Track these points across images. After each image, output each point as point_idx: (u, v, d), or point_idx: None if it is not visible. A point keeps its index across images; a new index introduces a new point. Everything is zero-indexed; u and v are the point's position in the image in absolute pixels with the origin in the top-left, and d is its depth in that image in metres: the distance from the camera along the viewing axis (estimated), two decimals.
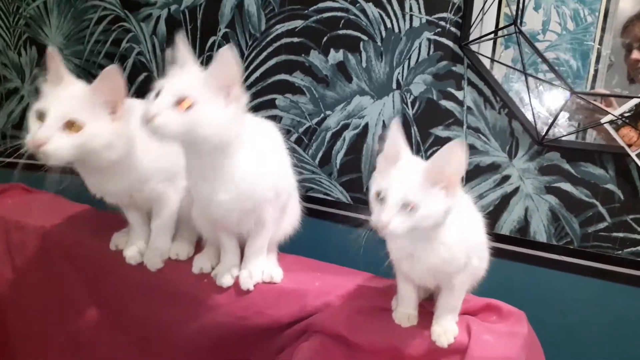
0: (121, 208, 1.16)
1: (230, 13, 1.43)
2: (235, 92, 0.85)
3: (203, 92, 0.82)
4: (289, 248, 1.22)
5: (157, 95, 0.82)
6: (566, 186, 1.17)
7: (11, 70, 1.78)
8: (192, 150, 0.88)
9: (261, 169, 0.94)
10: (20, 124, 1.79)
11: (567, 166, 1.17)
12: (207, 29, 1.46)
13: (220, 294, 1.06)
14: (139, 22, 1.54)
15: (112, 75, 0.93)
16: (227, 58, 0.82)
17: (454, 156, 0.75)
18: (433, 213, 0.76)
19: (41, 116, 0.90)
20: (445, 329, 0.88)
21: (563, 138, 1.16)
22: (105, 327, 1.21)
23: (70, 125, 0.89)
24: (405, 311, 0.93)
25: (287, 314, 1.00)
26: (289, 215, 1.10)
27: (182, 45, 0.86)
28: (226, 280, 1.04)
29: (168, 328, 1.12)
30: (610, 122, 1.08)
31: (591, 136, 1.16)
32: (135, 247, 1.15)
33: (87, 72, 1.65)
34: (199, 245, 1.18)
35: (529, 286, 1.21)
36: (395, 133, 0.79)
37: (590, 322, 1.16)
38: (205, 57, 1.47)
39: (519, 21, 1.11)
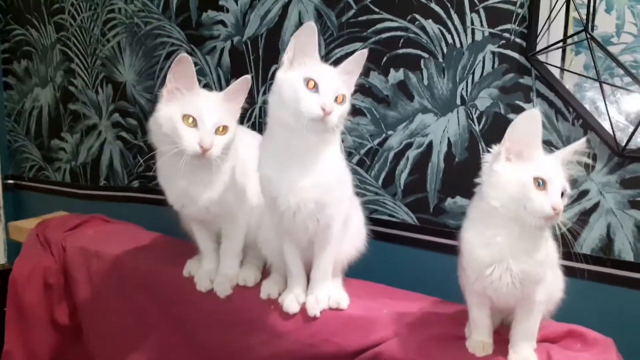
0: (193, 232, 1.20)
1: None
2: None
3: (349, 84, 0.96)
4: (355, 272, 1.20)
5: (313, 88, 0.89)
6: None
7: (90, 108, 1.90)
8: (304, 136, 0.90)
9: (341, 169, 0.99)
10: (99, 158, 1.90)
11: None
12: (269, 58, 1.49)
13: (288, 321, 1.05)
14: (204, 55, 1.60)
15: (244, 82, 1.08)
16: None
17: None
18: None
19: (194, 122, 1.00)
20: (523, 357, 0.83)
21: None
22: (177, 353, 1.24)
23: (221, 129, 1.03)
24: (479, 339, 0.89)
25: (354, 343, 0.98)
26: (352, 237, 1.09)
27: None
28: (293, 307, 1.04)
29: (238, 355, 1.13)
30: None
31: None
32: (205, 274, 1.18)
33: None
34: (265, 272, 1.20)
35: (615, 310, 1.12)
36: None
37: None
38: (267, 85, 1.50)
39: (589, 26, 1.05)
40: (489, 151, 0.87)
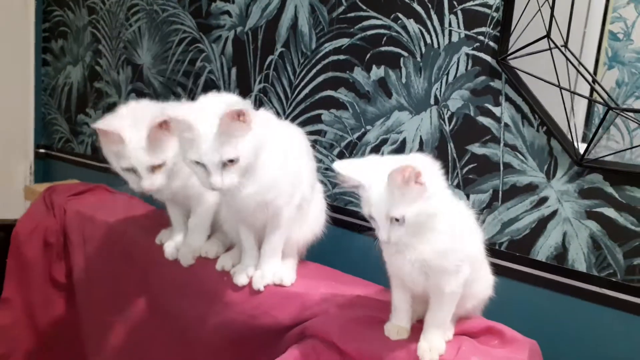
0: (165, 205, 1.29)
1: (286, 33, 1.51)
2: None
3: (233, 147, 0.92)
4: (325, 259, 1.25)
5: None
6: (609, 212, 1.07)
7: (111, 87, 2.04)
8: None
9: (278, 169, 1.02)
10: None
11: (610, 190, 1.06)
12: (266, 48, 1.56)
13: (236, 292, 1.12)
14: (211, 43, 1.69)
15: (156, 127, 1.06)
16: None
17: (400, 178, 0.78)
18: (421, 215, 0.80)
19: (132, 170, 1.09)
20: (432, 346, 0.86)
21: (606, 158, 1.06)
22: (148, 317, 1.33)
23: (157, 168, 1.10)
24: (396, 323, 0.92)
25: (289, 317, 1.04)
26: (309, 222, 1.14)
27: None
28: (241, 279, 1.11)
29: (195, 322, 1.21)
30: None
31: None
32: (173, 243, 1.26)
33: (169, 88, 1.83)
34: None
35: (563, 318, 1.12)
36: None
37: None
38: (263, 75, 1.57)
39: (551, 31, 1.06)
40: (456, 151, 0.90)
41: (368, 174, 0.81)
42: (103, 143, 1.09)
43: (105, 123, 1.06)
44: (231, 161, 0.91)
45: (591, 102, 1.12)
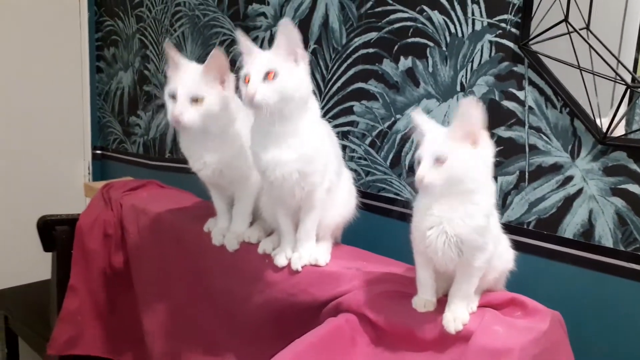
0: (211, 194, 1.39)
1: (318, 31, 1.59)
2: (300, 52, 1.05)
3: (279, 61, 1.02)
4: (358, 243, 1.33)
5: (248, 82, 1.01)
6: (634, 187, 1.09)
7: (159, 90, 2.18)
8: (272, 117, 1.02)
9: (320, 141, 1.10)
10: (165, 134, 2.18)
11: (634, 166, 1.09)
12: None
13: (277, 273, 1.21)
14: None
15: (218, 55, 1.18)
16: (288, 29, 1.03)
17: (471, 111, 0.86)
18: (462, 165, 0.86)
19: (173, 96, 1.16)
20: (456, 316, 0.92)
21: (631, 136, 1.08)
22: (199, 299, 1.44)
23: (197, 100, 1.15)
24: (423, 297, 0.99)
25: (325, 293, 1.12)
26: (338, 205, 1.21)
27: (243, 38, 1.08)
28: (281, 261, 1.20)
29: (240, 301, 1.31)
30: None
31: None
32: (219, 230, 1.37)
33: None
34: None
35: (591, 293, 1.15)
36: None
37: None
38: None
39: (569, 15, 1.09)
40: None
41: (431, 126, 0.92)
42: (168, 64, 1.19)
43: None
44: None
45: (615, 83, 1.14)
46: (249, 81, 1.01)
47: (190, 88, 1.15)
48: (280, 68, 1.01)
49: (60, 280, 1.70)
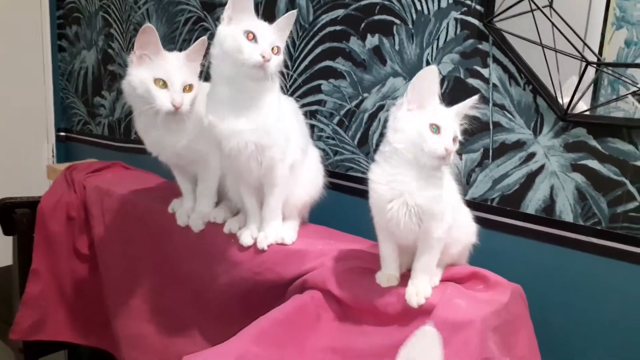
0: (174, 174, 1.37)
1: (285, 7, 1.57)
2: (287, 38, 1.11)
3: (280, 39, 1.07)
4: (325, 221, 1.32)
5: (252, 39, 1.00)
6: (593, 163, 1.11)
7: (124, 69, 2.12)
8: (237, 86, 1.04)
9: (280, 115, 1.10)
10: (130, 114, 2.13)
11: (593, 142, 1.11)
12: None
13: (243, 252, 1.20)
14: (215, 21, 1.76)
15: (200, 44, 1.21)
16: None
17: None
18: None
19: (164, 84, 1.15)
20: (418, 290, 0.93)
21: (589, 113, 1.10)
22: (165, 280, 1.43)
23: (187, 88, 1.19)
24: (386, 272, 0.99)
25: (290, 272, 1.12)
26: (305, 184, 1.21)
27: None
28: (246, 240, 1.19)
29: (207, 281, 1.30)
30: (633, 94, 1.01)
31: (627, 110, 1.09)
32: (184, 211, 1.35)
33: None
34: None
35: (552, 267, 1.17)
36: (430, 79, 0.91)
37: (615, 307, 1.10)
38: None
39: None
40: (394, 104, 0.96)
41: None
42: (141, 44, 1.16)
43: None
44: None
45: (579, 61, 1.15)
46: (254, 40, 1.01)
47: (183, 76, 1.17)
48: (282, 47, 1.06)
49: (22, 265, 1.66)
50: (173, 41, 1.90)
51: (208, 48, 1.12)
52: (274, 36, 1.04)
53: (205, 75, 1.20)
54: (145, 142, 1.28)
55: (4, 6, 2.26)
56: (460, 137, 0.92)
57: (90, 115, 2.34)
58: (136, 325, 1.47)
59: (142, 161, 1.98)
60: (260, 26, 1.02)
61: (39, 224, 1.65)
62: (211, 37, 1.76)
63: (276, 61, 1.03)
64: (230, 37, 1.01)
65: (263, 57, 0.99)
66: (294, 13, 1.08)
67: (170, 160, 1.29)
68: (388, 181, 0.91)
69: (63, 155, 2.48)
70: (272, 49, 1.02)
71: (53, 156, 2.46)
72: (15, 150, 2.33)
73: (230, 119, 1.05)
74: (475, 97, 0.95)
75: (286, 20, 1.07)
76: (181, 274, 1.38)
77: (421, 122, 0.89)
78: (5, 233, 1.66)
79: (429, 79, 0.90)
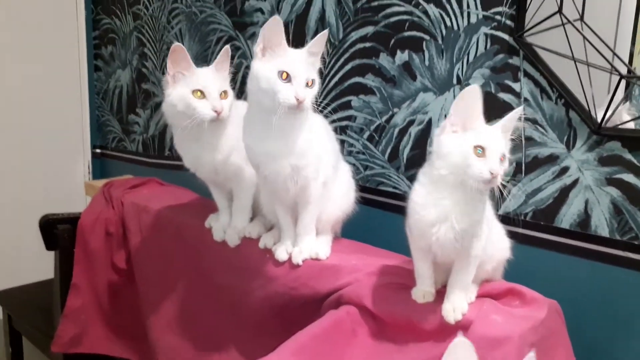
0: (210, 190, 1.41)
1: (315, 25, 1.60)
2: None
3: (315, 70, 1.07)
4: (358, 236, 1.34)
5: (286, 79, 1.02)
6: (629, 177, 1.11)
7: (158, 87, 2.19)
8: (280, 115, 1.03)
9: (313, 135, 1.12)
10: (164, 131, 2.19)
11: (629, 156, 1.10)
12: (297, 42, 1.64)
13: (278, 267, 1.23)
14: (246, 40, 1.80)
15: (224, 54, 1.28)
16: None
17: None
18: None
19: (202, 94, 1.21)
20: (455, 306, 0.93)
21: (623, 126, 1.10)
22: (201, 294, 1.46)
23: (224, 94, 1.25)
24: (422, 288, 1.00)
25: (325, 286, 1.13)
26: (337, 199, 1.23)
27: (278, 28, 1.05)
28: (282, 255, 1.21)
29: (242, 295, 1.32)
30: None
31: None
32: (220, 226, 1.38)
33: None
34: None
35: (588, 282, 1.16)
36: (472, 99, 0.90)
37: None
38: None
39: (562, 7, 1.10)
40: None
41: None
42: (173, 63, 1.21)
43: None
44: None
45: (610, 74, 1.15)
46: (289, 80, 1.02)
47: (218, 84, 1.23)
48: (316, 77, 1.07)
49: (63, 279, 1.71)
50: (205, 59, 1.95)
51: (232, 57, 1.22)
52: (307, 69, 1.04)
53: (237, 93, 1.25)
54: (185, 158, 1.32)
55: (43, 28, 2.35)
56: (508, 155, 0.91)
57: (125, 132, 2.41)
58: (172, 339, 1.51)
59: (175, 177, 2.04)
60: (293, 63, 1.03)
61: (79, 240, 1.71)
62: (243, 56, 1.82)
63: (311, 95, 1.05)
64: (264, 78, 1.02)
65: (297, 99, 1.01)
66: (325, 34, 1.08)
67: (207, 176, 1.33)
68: (432, 204, 0.91)
69: (98, 171, 2.56)
70: (307, 82, 1.03)
71: (89, 172, 2.53)
72: (53, 167, 2.41)
73: (267, 142, 1.08)
74: (520, 108, 0.94)
75: (318, 42, 1.09)
76: (217, 288, 1.41)
77: (465, 144, 0.87)
78: (48, 248, 1.72)
79: (472, 98, 0.89)
